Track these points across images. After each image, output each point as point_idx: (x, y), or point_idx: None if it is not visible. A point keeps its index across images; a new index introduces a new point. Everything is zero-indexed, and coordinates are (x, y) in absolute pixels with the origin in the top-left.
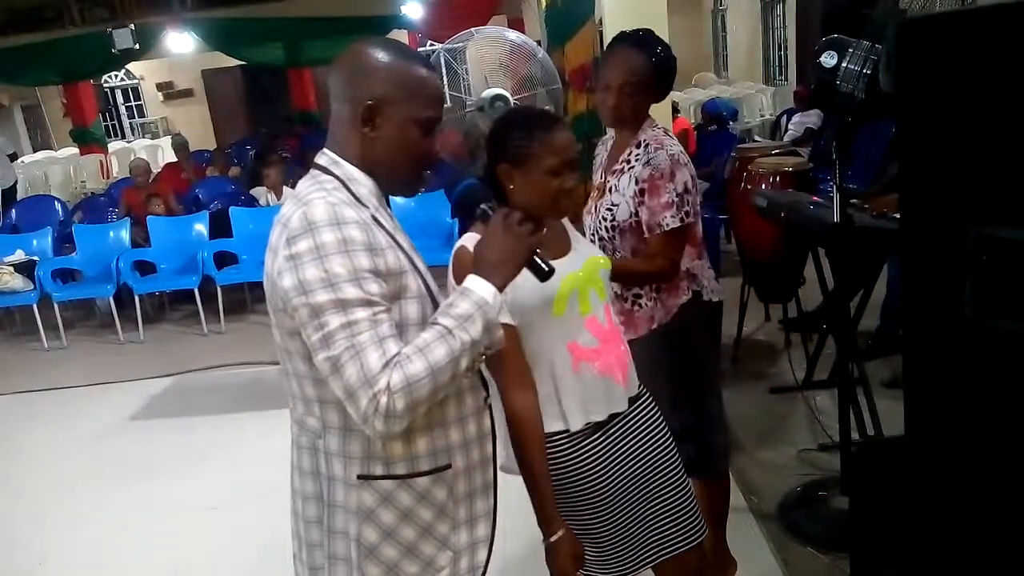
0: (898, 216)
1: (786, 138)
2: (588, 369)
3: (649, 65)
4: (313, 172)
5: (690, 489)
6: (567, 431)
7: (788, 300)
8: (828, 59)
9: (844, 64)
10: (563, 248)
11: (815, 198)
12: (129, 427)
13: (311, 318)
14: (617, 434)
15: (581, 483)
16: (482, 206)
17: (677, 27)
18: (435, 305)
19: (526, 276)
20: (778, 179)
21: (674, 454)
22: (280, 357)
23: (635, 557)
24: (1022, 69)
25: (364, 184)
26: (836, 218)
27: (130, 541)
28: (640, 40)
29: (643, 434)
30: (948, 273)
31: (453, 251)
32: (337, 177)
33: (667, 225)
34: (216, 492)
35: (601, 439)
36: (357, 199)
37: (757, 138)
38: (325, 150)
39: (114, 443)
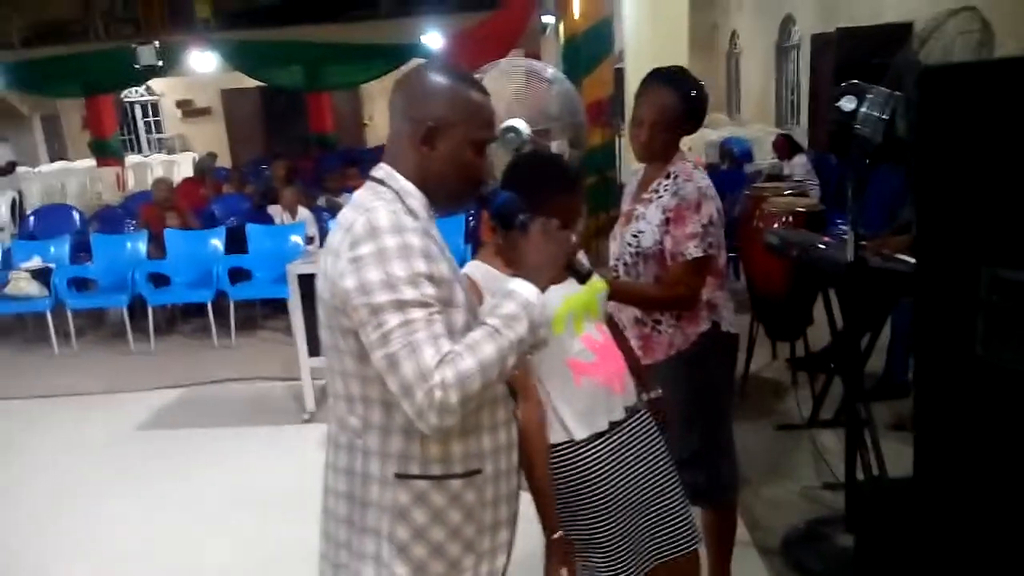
0: (908, 258)
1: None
2: (589, 382)
3: (681, 103)
4: (370, 184)
5: (685, 500)
6: (571, 440)
7: (796, 339)
8: (847, 103)
9: (863, 109)
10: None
11: (826, 238)
12: (135, 436)
13: (371, 317)
14: (616, 442)
15: (585, 489)
16: (521, 216)
17: (692, 68)
18: (475, 316)
19: None
20: (790, 219)
21: (670, 465)
22: (327, 356)
23: (637, 560)
24: None
25: (416, 198)
26: (850, 257)
27: (131, 549)
28: (673, 78)
29: (641, 443)
30: (960, 313)
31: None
32: (392, 189)
33: (689, 255)
34: (219, 503)
35: (602, 445)
36: (410, 211)
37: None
38: (382, 164)
39: (120, 451)
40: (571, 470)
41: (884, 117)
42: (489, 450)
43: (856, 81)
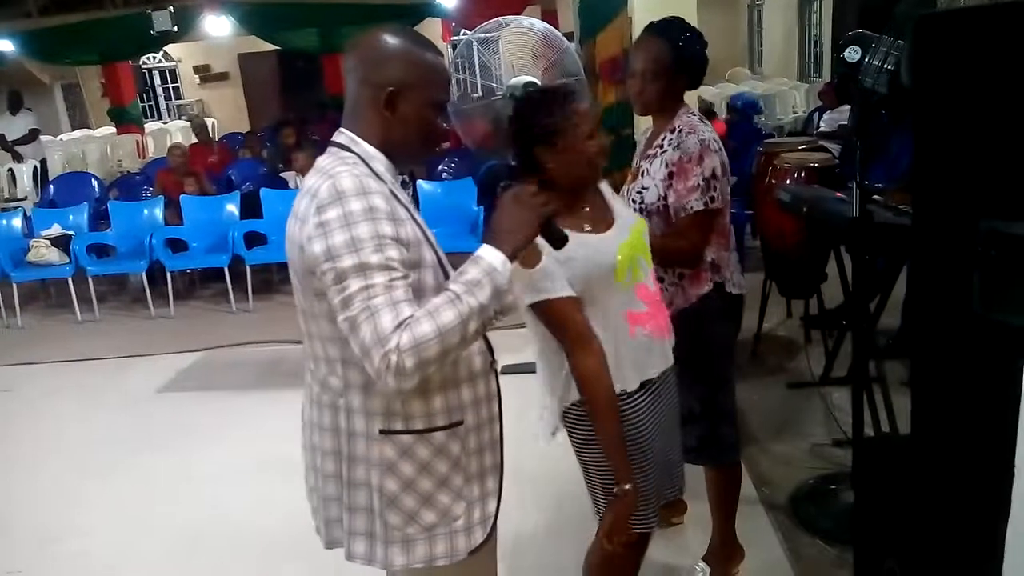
0: None
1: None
2: (642, 332)
3: (670, 52)
4: (332, 150)
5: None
6: (624, 392)
7: (810, 296)
8: (851, 54)
9: (866, 59)
10: (608, 220)
11: (839, 194)
12: (155, 399)
13: (335, 282)
14: (660, 389)
15: (632, 437)
16: (501, 184)
17: (712, 21)
18: (446, 274)
19: (583, 248)
20: (803, 174)
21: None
22: (303, 321)
23: (658, 498)
24: None
25: (381, 161)
26: (855, 212)
27: (150, 508)
28: (663, 28)
29: (672, 389)
30: (957, 267)
31: None
32: (356, 154)
33: (691, 208)
34: (237, 463)
35: (649, 394)
36: (375, 175)
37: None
38: (343, 129)
39: (140, 414)
40: (624, 420)
41: (888, 67)
42: (469, 401)
43: (861, 31)
